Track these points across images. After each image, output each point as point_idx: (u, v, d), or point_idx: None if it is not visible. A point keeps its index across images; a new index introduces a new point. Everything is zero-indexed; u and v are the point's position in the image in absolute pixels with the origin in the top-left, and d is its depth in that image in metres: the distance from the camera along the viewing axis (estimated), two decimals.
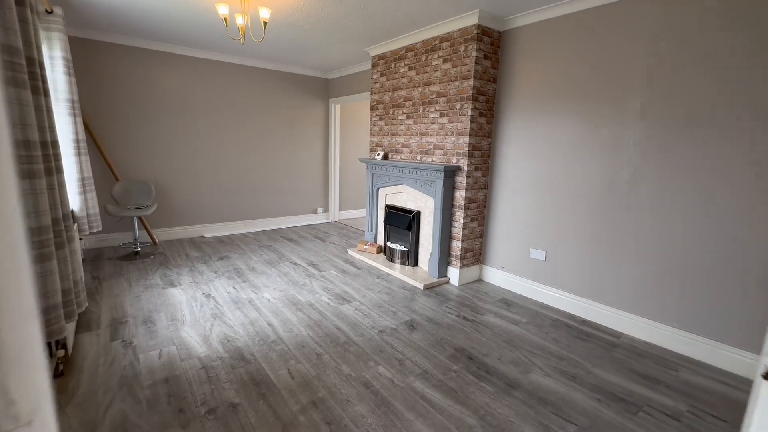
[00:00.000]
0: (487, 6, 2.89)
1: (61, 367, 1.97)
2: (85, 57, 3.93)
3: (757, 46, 1.99)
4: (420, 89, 3.66)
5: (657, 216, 2.43)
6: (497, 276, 3.46)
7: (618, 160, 2.58)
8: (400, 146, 4.00)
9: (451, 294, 3.24)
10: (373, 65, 4.27)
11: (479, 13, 2.99)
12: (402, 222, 3.80)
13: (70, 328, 2.19)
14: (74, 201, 3.05)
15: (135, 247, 3.98)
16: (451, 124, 3.36)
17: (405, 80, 3.83)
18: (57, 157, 1.90)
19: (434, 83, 3.49)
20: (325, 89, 5.84)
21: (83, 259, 3.79)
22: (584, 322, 2.80)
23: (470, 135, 3.22)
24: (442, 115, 3.45)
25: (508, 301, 3.12)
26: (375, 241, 4.39)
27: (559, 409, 1.84)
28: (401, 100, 3.90)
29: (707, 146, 2.20)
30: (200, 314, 2.71)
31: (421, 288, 3.33)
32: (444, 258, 3.48)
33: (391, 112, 4.07)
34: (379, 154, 4.20)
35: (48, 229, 1.62)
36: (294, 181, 5.76)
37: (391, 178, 3.97)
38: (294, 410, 1.78)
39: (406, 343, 2.40)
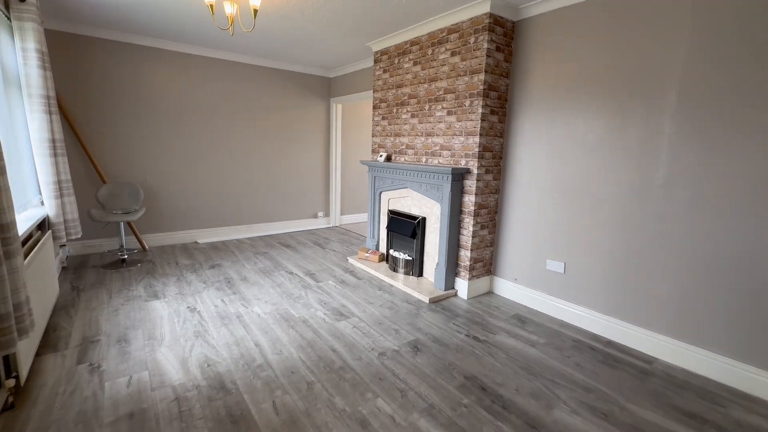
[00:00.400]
0: None
1: (11, 399, 1.71)
2: (69, 52, 3.71)
3: None
4: (426, 86, 3.38)
5: (696, 225, 2.12)
6: (509, 289, 3.17)
7: (649, 163, 2.28)
8: (404, 147, 3.72)
9: (459, 309, 2.95)
10: (376, 61, 4.01)
11: (491, 1, 2.71)
12: (406, 229, 3.51)
13: (29, 350, 1.94)
14: (49, 206, 2.81)
15: (121, 255, 3.73)
16: (460, 123, 3.08)
17: (409, 76, 3.56)
18: None
19: (441, 79, 3.22)
20: (326, 88, 5.59)
21: (65, 267, 3.56)
22: (610, 343, 2.49)
23: (480, 135, 2.94)
24: (449, 113, 3.18)
25: (523, 318, 2.82)
26: (377, 248, 4.11)
27: None
28: (405, 97, 3.63)
29: (762, 146, 1.89)
30: (182, 332, 2.45)
31: (427, 302, 3.05)
32: (451, 268, 3.19)
33: (394, 110, 3.80)
34: (381, 156, 3.93)
35: None
36: (293, 184, 5.50)
37: (394, 181, 3.70)
38: None
39: (409, 369, 2.12)
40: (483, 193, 3.07)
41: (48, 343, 2.26)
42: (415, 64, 3.48)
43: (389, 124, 3.89)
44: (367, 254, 3.94)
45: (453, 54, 3.09)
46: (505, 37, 2.91)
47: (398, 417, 1.74)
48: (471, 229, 3.06)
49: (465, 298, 3.16)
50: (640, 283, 2.39)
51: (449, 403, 1.85)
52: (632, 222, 2.39)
